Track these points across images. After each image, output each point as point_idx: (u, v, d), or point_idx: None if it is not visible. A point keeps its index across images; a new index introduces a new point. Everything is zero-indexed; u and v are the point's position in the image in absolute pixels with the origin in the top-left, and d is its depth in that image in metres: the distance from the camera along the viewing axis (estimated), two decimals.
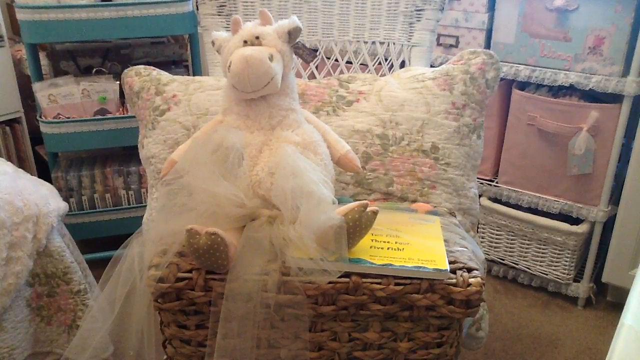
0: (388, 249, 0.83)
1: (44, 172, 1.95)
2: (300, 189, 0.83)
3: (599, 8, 1.51)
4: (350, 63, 1.42)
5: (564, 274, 1.77)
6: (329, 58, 1.43)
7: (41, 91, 1.74)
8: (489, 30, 1.75)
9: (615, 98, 1.58)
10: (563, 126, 1.63)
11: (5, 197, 1.19)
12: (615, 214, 1.65)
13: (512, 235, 1.83)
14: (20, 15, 1.63)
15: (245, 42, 0.94)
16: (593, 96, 1.63)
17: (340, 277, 0.79)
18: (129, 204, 1.89)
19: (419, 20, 1.34)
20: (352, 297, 0.80)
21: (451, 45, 1.81)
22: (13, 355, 1.26)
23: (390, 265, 0.80)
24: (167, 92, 1.12)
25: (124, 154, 1.93)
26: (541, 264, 1.80)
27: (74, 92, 1.75)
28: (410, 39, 1.35)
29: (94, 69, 1.88)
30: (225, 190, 0.85)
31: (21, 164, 2.04)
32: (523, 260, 1.84)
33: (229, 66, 0.92)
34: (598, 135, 1.59)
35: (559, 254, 1.75)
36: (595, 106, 1.59)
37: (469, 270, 0.82)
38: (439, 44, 1.82)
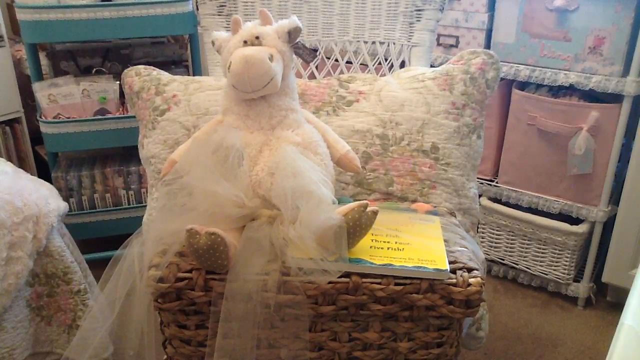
0: (388, 249, 0.83)
1: (44, 172, 1.95)
2: (300, 189, 0.83)
3: (599, 8, 1.51)
4: (350, 63, 1.42)
5: (564, 274, 1.77)
6: (329, 58, 1.43)
7: (41, 91, 1.74)
8: (489, 30, 1.75)
9: (615, 98, 1.58)
10: (563, 126, 1.63)
11: (5, 197, 1.19)
12: (615, 214, 1.65)
13: (512, 235, 1.83)
14: (20, 15, 1.63)
15: (245, 42, 0.94)
16: (593, 96, 1.63)
17: (340, 277, 0.79)
18: (129, 204, 1.89)
19: (419, 20, 1.34)
20: (352, 297, 0.80)
21: (451, 45, 1.81)
22: (13, 355, 1.26)
23: (390, 265, 0.80)
24: (167, 92, 1.12)
25: (124, 154, 1.93)
26: (541, 264, 1.80)
27: (74, 92, 1.75)
28: (410, 39, 1.35)
29: (94, 69, 1.88)
30: (225, 190, 0.85)
31: (21, 164, 2.04)
32: (523, 260, 1.84)
33: (229, 66, 0.92)
34: (598, 135, 1.60)
35: (559, 254, 1.75)
36: (595, 106, 1.59)
37: (469, 270, 0.82)
38: (439, 44, 1.82)
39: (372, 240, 0.85)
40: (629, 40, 1.50)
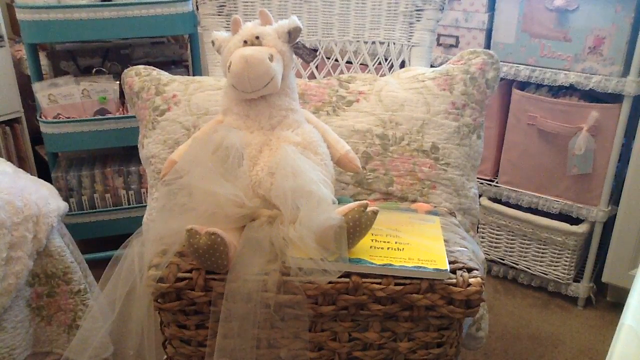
0: (388, 249, 0.83)
1: (44, 172, 1.95)
2: (300, 189, 0.83)
3: (599, 8, 1.52)
4: (350, 63, 1.42)
5: (564, 274, 1.77)
6: (329, 58, 1.43)
7: (41, 91, 1.74)
8: (489, 30, 1.75)
9: (615, 98, 1.58)
10: (563, 126, 1.63)
11: (5, 197, 1.19)
12: (615, 214, 1.65)
13: (512, 235, 1.83)
14: (20, 15, 1.63)
15: (245, 42, 0.94)
16: (593, 96, 1.64)
17: (340, 277, 0.79)
18: (129, 204, 1.89)
19: (419, 20, 1.34)
20: (352, 297, 0.80)
21: (451, 45, 1.81)
22: (13, 355, 1.26)
23: (390, 265, 0.80)
24: (167, 92, 1.12)
25: (124, 154, 1.93)
26: (541, 264, 1.80)
27: (74, 92, 1.75)
28: (410, 39, 1.35)
29: (94, 69, 1.88)
30: (225, 190, 0.85)
31: (21, 164, 2.04)
32: (523, 260, 1.84)
33: (229, 66, 0.92)
34: (598, 135, 1.60)
35: (559, 254, 1.75)
36: (595, 106, 1.59)
37: (469, 270, 0.82)
38: (439, 44, 1.82)
39: (372, 240, 0.85)
40: (629, 40, 1.50)
